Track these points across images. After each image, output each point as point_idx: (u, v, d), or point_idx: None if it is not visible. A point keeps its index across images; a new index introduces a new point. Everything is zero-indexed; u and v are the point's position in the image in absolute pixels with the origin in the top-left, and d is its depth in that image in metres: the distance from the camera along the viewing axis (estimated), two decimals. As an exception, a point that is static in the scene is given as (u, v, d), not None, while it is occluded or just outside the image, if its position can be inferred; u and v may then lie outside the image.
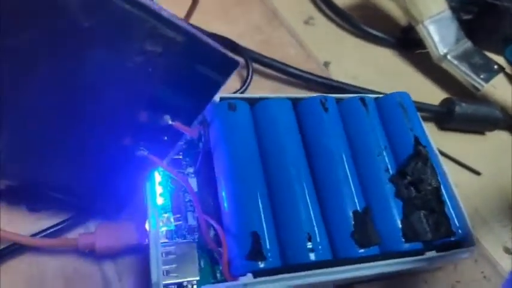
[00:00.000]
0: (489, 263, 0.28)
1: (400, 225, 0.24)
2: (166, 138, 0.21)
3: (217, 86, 0.21)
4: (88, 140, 0.21)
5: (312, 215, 0.22)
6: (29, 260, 0.22)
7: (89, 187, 0.22)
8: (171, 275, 0.20)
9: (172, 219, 0.22)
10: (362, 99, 0.27)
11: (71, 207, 0.24)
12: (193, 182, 0.24)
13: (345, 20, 0.38)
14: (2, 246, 0.21)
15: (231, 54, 0.21)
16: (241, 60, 0.32)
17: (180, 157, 0.25)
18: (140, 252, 0.23)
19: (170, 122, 0.21)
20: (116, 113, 0.20)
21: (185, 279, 0.21)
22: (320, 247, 0.22)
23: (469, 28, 0.37)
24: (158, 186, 0.23)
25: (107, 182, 0.22)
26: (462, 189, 0.30)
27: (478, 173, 0.33)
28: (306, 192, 0.23)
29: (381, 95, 0.29)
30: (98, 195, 0.23)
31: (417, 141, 0.26)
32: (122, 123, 0.21)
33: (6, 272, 0.21)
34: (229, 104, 0.24)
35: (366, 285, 0.25)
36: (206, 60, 0.20)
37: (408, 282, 0.26)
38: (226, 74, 0.21)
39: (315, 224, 0.22)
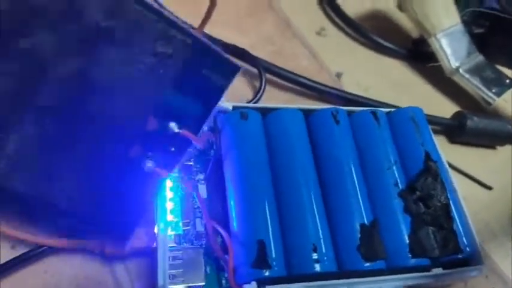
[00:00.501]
0: (500, 278, 0.28)
1: (408, 241, 0.23)
2: (173, 149, 0.22)
3: (220, 91, 0.22)
4: (96, 150, 0.20)
5: (319, 226, 0.22)
6: (41, 269, 0.22)
7: (96, 208, 0.21)
8: (177, 279, 0.21)
9: (181, 224, 0.22)
10: (374, 113, 0.27)
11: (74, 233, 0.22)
12: (203, 189, 0.25)
13: (357, 31, 0.39)
14: (12, 257, 0.21)
15: (232, 59, 0.22)
16: (254, 70, 0.33)
17: (191, 163, 0.25)
18: (149, 255, 0.23)
19: (177, 130, 0.21)
20: (125, 119, 0.20)
21: (191, 284, 0.21)
22: (325, 258, 0.22)
23: (480, 42, 0.37)
24: (169, 192, 0.23)
25: (114, 202, 0.21)
26: (472, 203, 0.30)
27: (489, 188, 0.33)
28: (314, 203, 0.23)
29: (393, 109, 0.29)
30: (105, 218, 0.21)
31: (428, 157, 0.26)
32: (131, 130, 0.21)
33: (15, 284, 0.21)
34: (242, 113, 0.25)
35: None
36: (210, 64, 0.21)
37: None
38: (229, 79, 0.22)
39: (321, 235, 0.22)
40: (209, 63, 0.21)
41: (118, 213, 0.21)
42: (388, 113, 0.28)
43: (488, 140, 0.35)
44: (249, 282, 0.20)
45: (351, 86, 0.35)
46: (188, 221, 0.23)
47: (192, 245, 0.23)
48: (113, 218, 0.21)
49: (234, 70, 0.22)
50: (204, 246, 0.23)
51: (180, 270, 0.21)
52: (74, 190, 0.20)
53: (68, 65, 0.19)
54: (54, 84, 0.19)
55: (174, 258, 0.21)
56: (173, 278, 0.21)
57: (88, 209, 0.21)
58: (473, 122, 0.34)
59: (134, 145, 0.20)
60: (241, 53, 0.32)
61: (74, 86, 0.19)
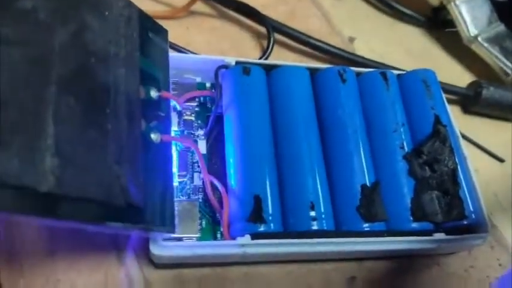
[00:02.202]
0: (506, 250, 0.27)
1: (410, 204, 0.23)
2: (162, 114, 0.22)
3: (166, 52, 0.23)
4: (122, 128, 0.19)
5: (318, 184, 0.22)
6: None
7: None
8: (170, 229, 0.20)
9: (176, 176, 0.22)
10: (383, 73, 0.26)
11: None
12: (203, 144, 0.24)
13: (375, -4, 0.37)
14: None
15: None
16: (264, 30, 0.32)
17: (193, 119, 0.25)
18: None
19: (158, 93, 0.21)
20: (129, 91, 0.20)
21: (185, 235, 0.21)
22: (323, 216, 0.21)
23: (503, 11, 0.35)
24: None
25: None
26: (482, 175, 0.29)
27: (501, 160, 0.32)
28: (314, 160, 0.22)
29: (404, 72, 0.28)
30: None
31: (437, 120, 0.25)
32: (135, 103, 0.20)
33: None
34: (244, 68, 0.24)
35: (374, 262, 0.24)
36: (151, 26, 0.23)
37: (419, 263, 0.25)
38: (166, 40, 0.24)
39: (320, 193, 0.22)
40: (150, 26, 0.22)
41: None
42: (399, 75, 0.27)
43: (504, 112, 0.33)
44: (242, 236, 0.20)
45: (364, 51, 0.34)
46: (184, 173, 0.23)
47: (189, 198, 0.22)
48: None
49: (165, 32, 0.24)
50: (200, 200, 0.22)
51: (175, 221, 0.21)
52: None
53: (67, 30, 0.18)
54: (62, 55, 0.17)
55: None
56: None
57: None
58: (489, 91, 0.32)
59: (141, 118, 0.20)
60: (251, 12, 0.31)
61: (82, 58, 0.18)
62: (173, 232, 0.20)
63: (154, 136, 0.20)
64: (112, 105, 0.18)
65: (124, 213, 0.17)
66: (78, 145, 0.16)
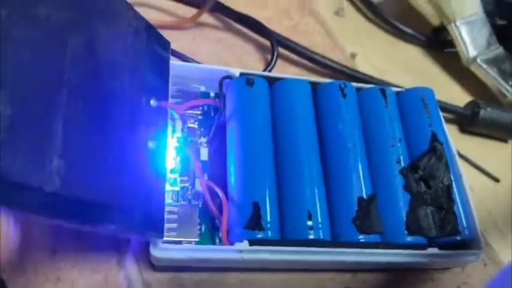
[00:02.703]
0: (499, 267, 0.27)
1: (405, 218, 0.23)
2: (158, 122, 0.22)
3: (167, 63, 0.24)
4: (121, 134, 0.19)
5: (316, 195, 0.22)
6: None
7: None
8: (171, 232, 0.21)
9: (178, 181, 0.23)
10: (382, 90, 0.27)
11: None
12: (205, 151, 0.25)
13: (376, 14, 0.38)
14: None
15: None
16: (268, 44, 0.32)
17: (196, 126, 0.25)
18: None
19: (157, 103, 0.22)
20: (132, 99, 0.20)
21: (184, 239, 0.21)
22: (320, 226, 0.22)
23: (502, 34, 0.36)
24: (173, 150, 0.23)
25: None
26: (477, 193, 0.30)
27: (496, 180, 0.32)
28: (313, 171, 0.23)
29: (403, 89, 0.28)
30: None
31: (434, 137, 0.26)
32: (138, 110, 0.21)
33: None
34: (248, 79, 0.25)
35: (369, 274, 0.25)
36: (155, 38, 0.23)
37: (413, 277, 0.25)
38: (168, 51, 0.25)
39: (317, 203, 0.22)
40: (155, 38, 0.23)
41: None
42: (398, 93, 0.28)
43: (501, 132, 0.34)
44: (240, 241, 0.20)
45: (365, 68, 0.35)
46: (186, 178, 0.23)
47: (189, 203, 0.23)
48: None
49: (167, 43, 0.25)
50: (200, 206, 0.23)
51: (175, 225, 0.21)
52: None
53: (79, 38, 0.18)
54: (73, 61, 0.17)
55: (170, 212, 0.22)
56: (168, 231, 0.21)
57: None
58: (487, 112, 0.33)
59: (140, 125, 0.21)
60: (256, 25, 0.32)
61: (90, 64, 0.18)
62: (161, 237, 0.20)
63: (151, 143, 0.21)
64: (116, 113, 0.19)
65: (120, 217, 0.18)
66: (84, 148, 0.17)
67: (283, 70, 0.32)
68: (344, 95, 0.25)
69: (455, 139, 0.28)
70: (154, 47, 0.23)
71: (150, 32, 0.23)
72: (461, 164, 0.27)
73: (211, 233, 0.22)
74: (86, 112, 0.17)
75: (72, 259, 0.21)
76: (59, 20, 0.17)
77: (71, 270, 0.21)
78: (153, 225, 0.20)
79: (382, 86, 0.27)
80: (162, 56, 0.24)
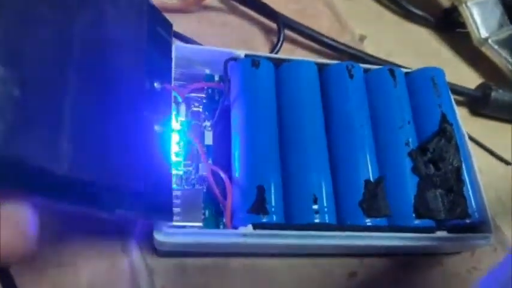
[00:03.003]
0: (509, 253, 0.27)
1: (413, 201, 0.23)
2: (163, 105, 0.22)
3: (170, 45, 0.24)
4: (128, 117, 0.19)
5: (322, 178, 0.22)
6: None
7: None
8: (175, 217, 0.20)
9: (182, 165, 0.22)
10: (391, 70, 0.26)
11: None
12: (209, 135, 0.25)
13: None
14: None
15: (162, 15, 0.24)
16: (274, 26, 0.32)
17: (200, 110, 0.25)
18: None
19: (161, 86, 0.22)
20: (135, 82, 0.20)
21: (188, 223, 0.21)
22: (325, 210, 0.21)
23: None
24: (175, 134, 0.23)
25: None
26: (487, 176, 0.29)
27: (507, 163, 0.32)
28: (319, 154, 0.23)
29: (413, 70, 0.28)
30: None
31: (444, 118, 0.25)
32: (141, 94, 0.20)
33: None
34: (253, 60, 0.24)
35: (376, 259, 0.24)
36: (158, 19, 0.23)
37: (421, 262, 0.25)
38: (170, 34, 0.24)
39: (323, 186, 0.22)
40: (158, 19, 0.23)
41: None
42: (407, 73, 0.27)
43: (512, 114, 0.33)
44: (244, 225, 0.20)
45: (373, 50, 0.34)
46: (190, 162, 0.23)
47: (193, 188, 0.23)
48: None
49: (170, 25, 0.24)
50: (205, 190, 0.23)
51: (178, 209, 0.21)
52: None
53: (86, 17, 0.18)
54: (80, 42, 0.17)
55: (174, 197, 0.21)
56: (171, 215, 0.21)
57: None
58: (498, 94, 0.32)
59: (146, 108, 0.20)
60: (262, 7, 0.31)
61: (93, 44, 0.18)
62: (171, 220, 0.20)
63: (156, 126, 0.21)
64: (121, 95, 0.18)
65: (128, 200, 0.18)
66: (92, 131, 0.16)
67: (290, 53, 0.32)
68: (351, 76, 0.25)
69: (465, 122, 0.27)
70: (157, 28, 0.23)
71: (153, 13, 0.22)
72: (471, 147, 0.26)
73: (215, 217, 0.22)
74: (93, 94, 0.17)
75: (76, 245, 0.21)
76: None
77: (74, 256, 0.21)
78: (162, 208, 0.20)
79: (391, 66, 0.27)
80: (165, 38, 0.23)
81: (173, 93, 0.23)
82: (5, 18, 0.14)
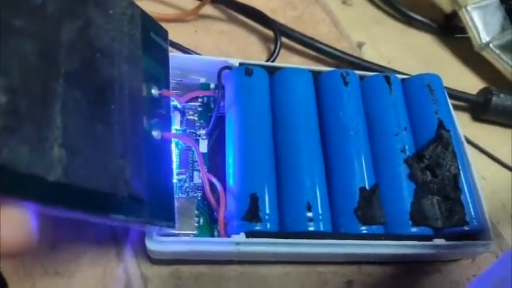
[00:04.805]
0: None
1: (409, 208, 0.23)
2: (163, 111, 0.22)
3: (166, 52, 0.24)
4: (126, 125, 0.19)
5: (316, 185, 0.22)
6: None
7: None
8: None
9: (175, 173, 0.22)
10: (387, 77, 0.26)
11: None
12: (204, 143, 0.25)
13: (385, 2, 0.37)
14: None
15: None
16: (271, 34, 0.32)
17: (195, 118, 0.25)
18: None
19: (159, 91, 0.22)
20: (133, 88, 0.20)
21: (181, 232, 0.21)
22: (320, 218, 0.21)
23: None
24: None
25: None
26: (491, 183, 0.29)
27: (510, 169, 0.31)
28: (313, 161, 0.22)
29: (409, 76, 0.28)
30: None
31: (440, 125, 0.25)
32: (138, 100, 0.20)
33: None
34: (247, 69, 0.24)
35: (373, 267, 0.24)
36: (152, 26, 0.23)
37: (419, 269, 0.25)
38: (166, 41, 0.24)
39: (318, 194, 0.22)
40: (152, 26, 0.23)
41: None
42: (403, 80, 0.27)
43: (515, 119, 0.33)
44: (237, 233, 0.20)
45: (373, 57, 0.34)
46: (183, 170, 0.23)
47: (187, 196, 0.23)
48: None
49: (165, 32, 0.24)
50: (199, 198, 0.23)
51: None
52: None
53: (73, 26, 0.18)
54: (69, 49, 0.17)
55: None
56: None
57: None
58: (499, 99, 0.32)
59: (143, 114, 0.20)
60: (259, 16, 0.31)
61: (85, 50, 0.18)
62: (174, 227, 0.20)
63: (155, 133, 0.21)
64: (116, 101, 0.19)
65: (126, 206, 0.18)
66: (85, 137, 0.17)
67: (287, 61, 0.32)
68: (346, 83, 0.25)
69: (467, 127, 0.27)
70: (151, 35, 0.23)
71: (146, 20, 0.22)
72: (473, 153, 0.26)
73: (209, 225, 0.22)
74: (84, 100, 0.17)
75: (71, 252, 0.21)
76: (54, 7, 0.17)
77: (69, 263, 0.21)
78: (165, 214, 0.20)
79: (387, 73, 0.26)
80: (161, 45, 0.24)
81: (172, 101, 0.23)
82: None
